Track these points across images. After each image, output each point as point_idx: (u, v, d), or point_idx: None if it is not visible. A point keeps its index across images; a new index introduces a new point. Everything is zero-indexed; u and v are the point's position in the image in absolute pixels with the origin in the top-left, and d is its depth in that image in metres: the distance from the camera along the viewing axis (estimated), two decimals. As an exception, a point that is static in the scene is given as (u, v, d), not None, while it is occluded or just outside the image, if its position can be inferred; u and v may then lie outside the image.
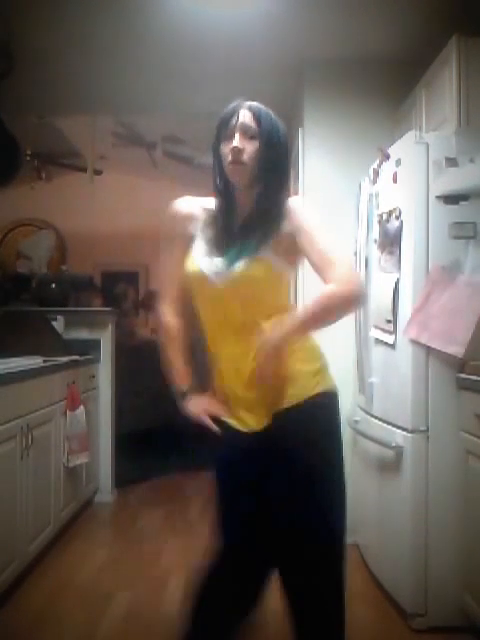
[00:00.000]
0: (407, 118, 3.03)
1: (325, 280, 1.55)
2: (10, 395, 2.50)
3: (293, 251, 1.59)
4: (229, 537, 1.65)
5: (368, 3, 2.77)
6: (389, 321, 2.50)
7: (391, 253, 2.50)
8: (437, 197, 2.33)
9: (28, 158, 4.79)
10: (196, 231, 1.63)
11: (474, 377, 2.19)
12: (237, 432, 1.60)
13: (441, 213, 2.32)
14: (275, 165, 1.57)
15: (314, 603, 1.66)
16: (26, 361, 2.94)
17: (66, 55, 3.28)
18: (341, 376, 3.18)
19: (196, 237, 1.63)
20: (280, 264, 1.59)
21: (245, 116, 1.55)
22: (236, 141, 1.53)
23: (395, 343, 2.46)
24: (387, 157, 2.61)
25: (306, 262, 1.63)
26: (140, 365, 4.67)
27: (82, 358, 3.64)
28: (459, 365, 2.29)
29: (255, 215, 1.59)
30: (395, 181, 2.50)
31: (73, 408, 3.30)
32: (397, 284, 2.44)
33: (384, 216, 2.58)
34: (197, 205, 1.66)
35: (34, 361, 3.01)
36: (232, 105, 1.59)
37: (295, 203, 1.64)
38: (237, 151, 1.52)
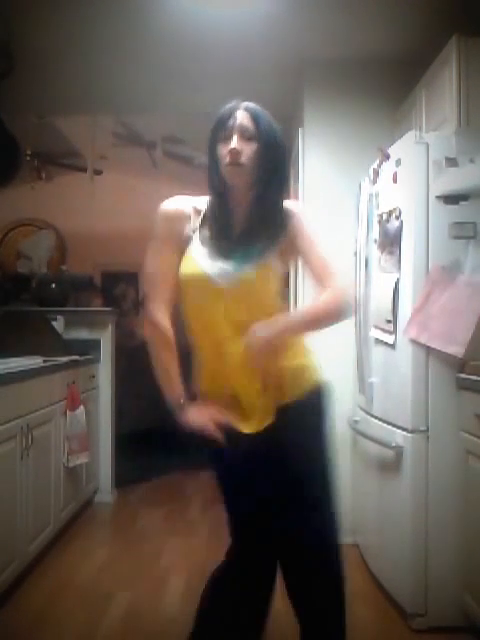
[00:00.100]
0: (407, 118, 3.03)
1: (323, 287, 1.60)
2: (10, 395, 2.50)
3: (289, 253, 1.64)
4: (241, 538, 1.65)
5: (368, 3, 2.77)
6: (389, 321, 2.50)
7: (391, 253, 2.50)
8: (437, 197, 2.33)
9: (28, 158, 4.79)
10: (190, 232, 1.60)
11: (474, 377, 2.19)
12: (239, 434, 1.58)
13: (441, 213, 2.32)
14: (274, 167, 1.57)
15: (316, 590, 1.69)
16: (26, 361, 2.95)
17: (66, 55, 3.28)
18: (341, 376, 3.21)
19: (191, 238, 1.59)
20: (280, 267, 1.63)
21: (243, 117, 1.55)
22: (234, 142, 1.52)
23: (395, 343, 2.46)
24: (387, 157, 2.61)
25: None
26: (140, 365, 4.66)
27: (82, 358, 3.64)
28: (459, 365, 2.29)
29: (256, 218, 1.59)
30: (395, 181, 2.50)
31: (73, 408, 3.30)
32: (397, 284, 2.44)
33: (384, 216, 2.58)
34: (189, 205, 1.63)
35: (34, 361, 3.01)
36: (228, 106, 1.58)
37: (295, 207, 1.67)
38: (236, 153, 1.52)
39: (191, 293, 1.60)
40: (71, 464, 3.25)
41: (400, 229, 2.42)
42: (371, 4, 2.77)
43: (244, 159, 1.53)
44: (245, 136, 1.54)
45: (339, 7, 2.80)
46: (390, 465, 2.47)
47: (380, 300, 2.61)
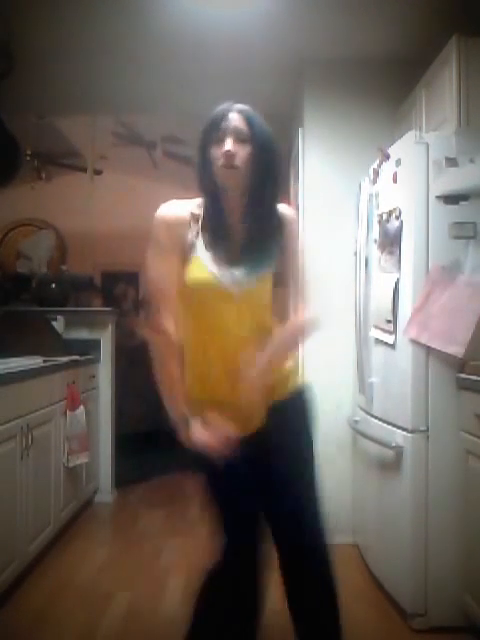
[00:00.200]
0: (407, 118, 3.03)
1: (297, 307, 1.68)
2: (10, 395, 2.50)
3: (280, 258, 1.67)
4: (233, 538, 1.65)
5: (368, 3, 2.77)
6: (389, 321, 2.50)
7: (391, 253, 2.50)
8: (437, 197, 2.33)
9: (28, 158, 4.79)
10: (193, 237, 1.59)
11: (474, 377, 2.19)
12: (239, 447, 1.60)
13: (441, 213, 2.32)
14: (267, 169, 1.58)
15: (307, 588, 1.69)
16: (26, 361, 2.95)
17: (66, 55, 3.28)
18: (341, 376, 3.23)
19: (194, 243, 1.58)
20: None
21: (236, 119, 1.54)
22: (229, 145, 1.52)
23: (395, 343, 2.46)
24: (387, 157, 2.61)
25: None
26: (140, 365, 4.66)
27: (82, 358, 3.64)
28: (459, 365, 2.29)
29: (252, 221, 1.59)
30: (395, 181, 2.50)
31: (73, 408, 3.30)
32: (397, 284, 2.44)
33: (384, 216, 2.58)
34: (186, 209, 1.60)
35: (34, 361, 3.02)
36: (221, 108, 1.58)
37: (290, 214, 1.68)
38: (230, 155, 1.51)
39: (200, 298, 1.59)
40: (71, 464, 3.25)
41: (400, 229, 2.42)
42: (371, 4, 2.77)
43: (238, 162, 1.53)
44: (239, 138, 1.53)
45: (339, 7, 2.79)
46: (390, 465, 2.47)
47: (380, 300, 2.61)
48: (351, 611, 2.41)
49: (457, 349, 2.24)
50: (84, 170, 5.37)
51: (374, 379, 2.72)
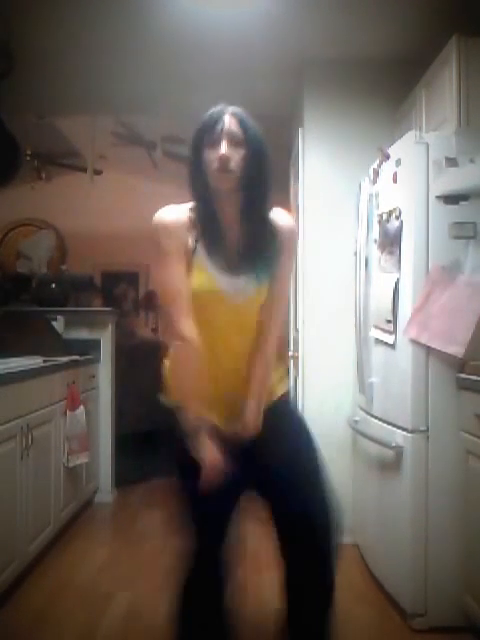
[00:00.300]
0: (407, 118, 3.03)
1: (264, 325, 1.67)
2: (10, 395, 2.50)
3: None
4: (209, 538, 1.69)
5: (368, 3, 2.77)
6: (389, 321, 2.50)
7: (391, 253, 2.50)
8: (437, 197, 2.33)
9: (28, 158, 4.79)
10: (194, 243, 1.59)
11: (474, 377, 2.19)
12: (228, 437, 1.64)
13: (441, 213, 2.32)
14: (260, 172, 1.58)
15: (309, 572, 1.70)
16: (26, 361, 2.95)
17: (66, 55, 3.28)
18: (341, 376, 3.23)
19: (196, 249, 1.58)
20: None
21: (231, 122, 1.54)
22: (224, 149, 1.52)
23: (395, 343, 2.46)
24: (387, 157, 2.61)
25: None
26: (140, 365, 4.67)
27: (82, 358, 3.64)
28: (459, 365, 2.29)
29: (246, 225, 1.60)
30: (395, 181, 2.50)
31: (73, 408, 3.30)
32: (397, 284, 2.44)
33: (384, 216, 2.58)
34: (184, 214, 1.60)
35: (34, 361, 3.02)
36: (215, 110, 1.58)
37: (286, 222, 1.67)
38: (226, 159, 1.52)
39: (200, 303, 1.59)
40: (71, 464, 3.25)
41: (400, 229, 2.42)
42: (371, 4, 2.77)
43: (233, 165, 1.53)
44: (233, 142, 1.53)
45: (339, 7, 2.79)
46: (390, 465, 2.47)
47: (380, 300, 2.61)
48: (351, 611, 2.42)
49: (457, 349, 2.24)
50: (84, 170, 5.36)
51: (374, 379, 2.72)
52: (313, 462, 1.73)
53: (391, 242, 2.50)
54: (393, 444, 2.41)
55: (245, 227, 1.60)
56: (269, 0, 2.75)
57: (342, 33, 3.05)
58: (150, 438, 5.09)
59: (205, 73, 3.51)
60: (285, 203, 3.85)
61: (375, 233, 2.70)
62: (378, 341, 2.64)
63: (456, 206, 2.31)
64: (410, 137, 2.41)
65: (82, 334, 4.01)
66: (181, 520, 1.72)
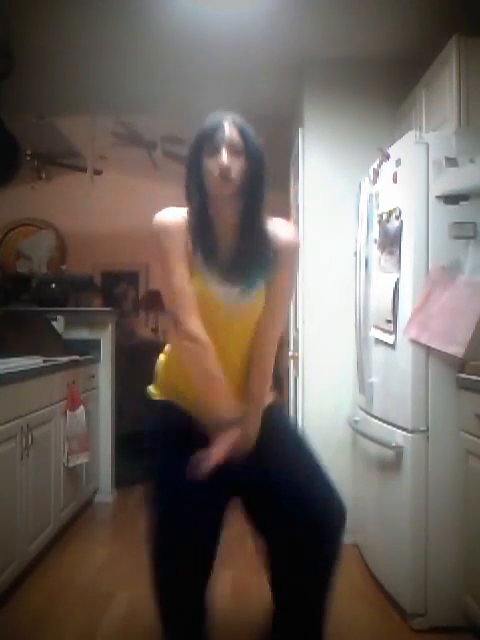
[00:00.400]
0: (407, 118, 3.03)
1: (262, 341, 1.68)
2: (10, 395, 2.50)
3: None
4: (198, 538, 1.67)
5: (368, 3, 2.77)
6: (389, 321, 2.50)
7: (391, 253, 2.50)
8: (437, 197, 2.33)
9: (28, 158, 4.79)
10: (190, 246, 1.60)
11: (474, 377, 2.19)
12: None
13: (441, 213, 2.32)
14: (258, 180, 1.59)
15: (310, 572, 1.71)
16: (26, 361, 2.95)
17: (66, 55, 3.28)
18: (341, 376, 3.23)
19: (194, 256, 1.59)
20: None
21: (231, 131, 1.56)
22: (224, 158, 1.53)
23: (395, 343, 2.46)
24: (387, 157, 2.61)
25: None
26: (140, 365, 4.67)
27: (82, 358, 3.64)
28: (459, 365, 2.29)
29: (243, 231, 1.60)
30: (395, 181, 2.50)
31: (73, 408, 3.30)
32: (397, 284, 2.44)
33: (384, 216, 2.58)
34: (183, 218, 1.61)
35: (34, 361, 3.02)
36: (215, 118, 1.59)
37: (286, 235, 1.67)
38: (227, 170, 1.53)
39: (199, 311, 1.60)
40: (71, 464, 3.25)
41: (400, 229, 2.42)
42: (371, 4, 2.77)
43: (234, 174, 1.55)
44: (233, 150, 1.55)
45: (339, 7, 2.79)
46: (390, 465, 2.47)
47: (380, 300, 2.61)
48: (351, 611, 2.42)
49: (457, 349, 2.24)
50: (84, 170, 5.36)
51: (374, 379, 2.72)
52: (313, 461, 1.74)
53: (391, 242, 2.50)
54: (393, 444, 2.41)
55: (241, 234, 1.61)
56: (269, 0, 2.75)
57: (342, 33, 3.05)
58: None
59: (205, 73, 3.51)
60: (285, 203, 3.86)
61: (375, 233, 2.70)
62: (378, 341, 2.64)
63: (456, 206, 2.31)
64: (410, 137, 2.41)
65: (82, 334, 4.02)
66: (161, 520, 1.70)
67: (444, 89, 2.58)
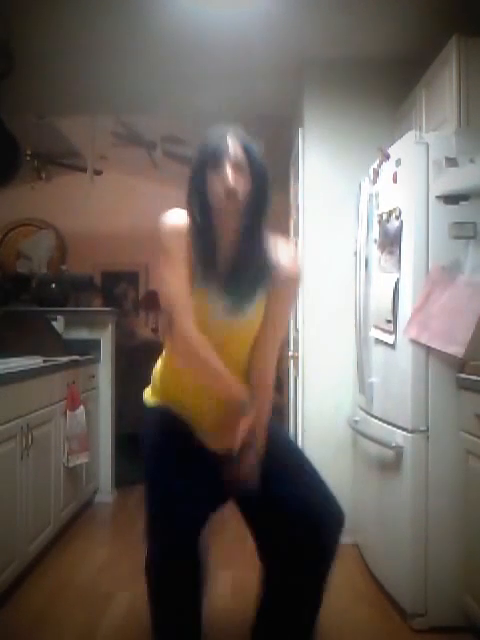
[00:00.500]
0: (407, 118, 3.03)
1: (259, 356, 1.69)
2: (10, 395, 2.50)
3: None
4: (184, 537, 1.66)
5: (368, 3, 2.77)
6: (389, 321, 2.50)
7: (391, 253, 2.50)
8: (437, 197, 2.33)
9: (28, 158, 4.79)
10: (190, 254, 1.60)
11: (474, 377, 2.19)
12: (205, 450, 1.68)
13: (441, 213, 2.32)
14: (262, 196, 1.60)
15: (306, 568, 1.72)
16: (26, 361, 2.95)
17: (66, 55, 3.28)
18: (341, 376, 3.23)
19: (193, 268, 1.59)
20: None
21: (236, 150, 1.56)
22: (230, 178, 1.53)
23: (395, 343, 2.46)
24: (387, 157, 2.61)
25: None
26: (140, 365, 4.67)
27: (82, 358, 3.64)
28: (459, 365, 2.29)
29: (243, 246, 1.61)
30: (395, 181, 2.50)
31: (73, 408, 3.30)
32: (397, 284, 2.44)
33: (384, 216, 2.58)
34: (187, 223, 1.61)
35: (34, 361, 3.01)
36: (218, 134, 1.60)
37: (290, 258, 1.68)
38: (233, 190, 1.53)
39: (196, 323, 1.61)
40: (71, 464, 3.25)
41: (400, 229, 2.42)
42: (371, 4, 2.77)
43: (239, 194, 1.55)
44: (238, 168, 1.55)
45: (339, 7, 2.79)
46: (390, 465, 2.47)
47: (380, 300, 2.61)
48: (351, 611, 2.42)
49: (457, 349, 2.24)
50: (84, 170, 5.36)
51: (374, 379, 2.72)
52: (310, 467, 1.77)
53: (391, 242, 2.50)
54: (393, 444, 2.41)
55: (241, 250, 1.61)
56: (269, 0, 2.75)
57: (342, 33, 3.05)
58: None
59: (205, 73, 3.51)
60: (285, 203, 3.86)
61: (375, 233, 2.70)
62: (378, 341, 2.64)
63: (456, 206, 2.31)
64: (410, 137, 2.41)
65: (82, 334, 4.02)
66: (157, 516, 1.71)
67: (444, 89, 2.58)
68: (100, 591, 2.63)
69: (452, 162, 2.31)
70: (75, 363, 3.49)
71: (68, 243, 6.11)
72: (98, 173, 5.39)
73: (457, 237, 2.31)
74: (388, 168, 2.60)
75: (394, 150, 2.58)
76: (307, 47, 3.21)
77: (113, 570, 2.88)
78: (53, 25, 2.97)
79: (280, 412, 4.07)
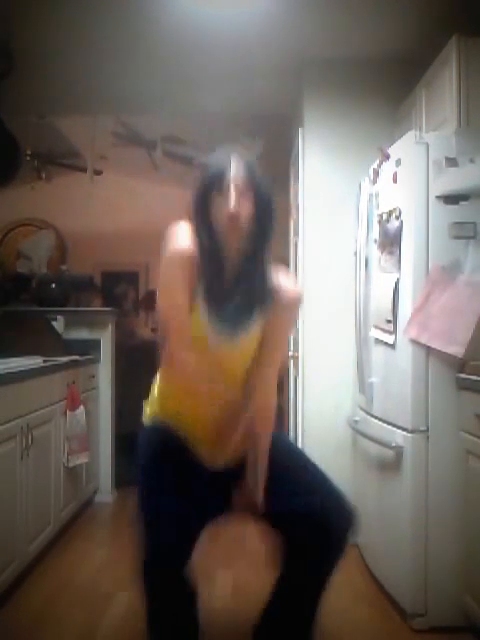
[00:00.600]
0: (407, 118, 3.03)
1: (256, 373, 1.69)
2: (10, 395, 2.50)
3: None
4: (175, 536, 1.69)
5: (368, 3, 2.77)
6: (389, 321, 2.50)
7: (391, 253, 2.50)
8: (437, 197, 2.33)
9: (28, 158, 4.78)
10: (195, 281, 1.58)
11: (474, 377, 2.19)
12: (201, 466, 1.69)
13: (441, 213, 2.32)
14: (266, 221, 1.60)
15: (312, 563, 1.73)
16: (26, 361, 2.94)
17: (66, 55, 3.28)
18: (341, 376, 3.23)
19: (196, 289, 1.58)
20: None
21: (240, 174, 1.55)
22: (232, 202, 1.52)
23: (395, 343, 2.46)
24: (387, 157, 2.61)
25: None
26: (140, 365, 4.67)
27: (82, 358, 3.64)
28: (459, 365, 2.29)
29: (246, 271, 1.61)
30: (395, 181, 2.50)
31: (73, 408, 3.30)
32: (397, 284, 2.44)
33: (384, 216, 2.58)
34: (191, 248, 1.57)
35: (34, 361, 3.01)
36: (222, 156, 1.59)
37: (291, 289, 1.69)
38: (236, 215, 1.53)
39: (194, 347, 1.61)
40: (71, 464, 3.25)
41: (400, 229, 2.42)
42: (371, 4, 2.77)
43: (242, 220, 1.55)
44: (242, 192, 1.54)
45: (339, 7, 2.80)
46: (390, 465, 2.47)
47: (380, 300, 2.61)
48: (351, 611, 2.42)
49: (457, 349, 2.24)
50: (84, 170, 5.35)
51: (374, 379, 2.72)
52: (319, 471, 1.78)
53: (391, 242, 2.50)
54: (393, 444, 2.41)
55: (243, 274, 1.61)
56: (269, 0, 2.75)
57: (342, 33, 3.05)
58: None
59: (205, 73, 3.51)
60: (285, 203, 3.86)
61: (375, 233, 2.70)
62: (378, 341, 2.64)
63: (456, 206, 2.31)
64: (410, 137, 2.41)
65: (82, 334, 4.02)
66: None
67: (444, 89, 2.58)
68: (100, 591, 2.63)
69: (452, 162, 2.31)
70: (75, 363, 3.49)
71: (68, 243, 6.10)
72: (98, 173, 5.39)
73: (457, 237, 2.31)
74: (388, 168, 2.60)
75: (394, 150, 2.58)
76: (307, 47, 3.21)
77: (113, 570, 2.88)
78: (53, 25, 2.97)
79: (280, 412, 4.07)
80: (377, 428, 2.63)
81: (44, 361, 3.10)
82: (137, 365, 4.87)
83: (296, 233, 3.46)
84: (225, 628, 2.27)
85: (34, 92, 3.76)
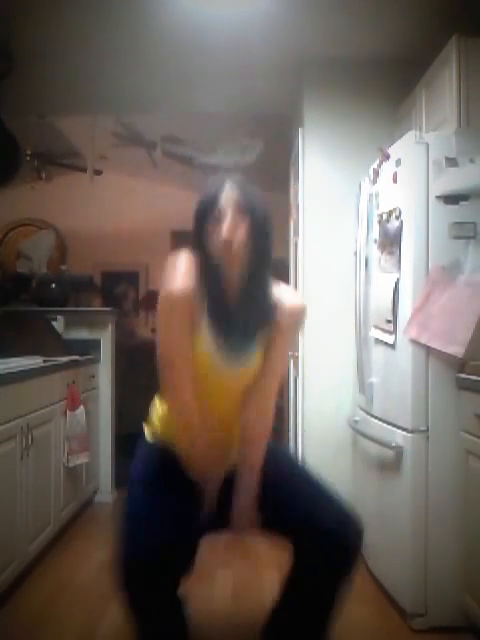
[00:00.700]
0: (407, 118, 3.03)
1: (254, 388, 1.69)
2: (10, 395, 2.50)
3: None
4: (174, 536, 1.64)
5: (368, 3, 2.77)
6: (389, 321, 2.50)
7: (391, 253, 2.50)
8: (437, 197, 2.33)
9: (28, 158, 4.79)
10: (198, 311, 1.59)
11: (474, 377, 2.19)
12: (197, 484, 1.69)
13: (441, 213, 2.32)
14: (263, 245, 1.61)
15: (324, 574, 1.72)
16: (26, 361, 2.95)
17: (66, 55, 3.28)
18: (341, 376, 3.23)
19: (199, 318, 1.59)
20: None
21: (231, 201, 1.55)
22: (225, 229, 1.53)
23: (395, 343, 2.46)
24: (387, 157, 2.61)
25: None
26: (140, 365, 4.67)
27: (82, 358, 3.64)
28: (459, 365, 2.29)
29: (247, 296, 1.61)
30: (395, 181, 2.50)
31: (73, 408, 3.30)
32: (397, 284, 2.44)
33: (384, 216, 2.58)
34: (193, 277, 1.59)
35: (34, 361, 3.01)
36: (217, 183, 1.60)
37: (292, 303, 1.70)
38: (229, 243, 1.54)
39: (197, 370, 1.63)
40: (71, 464, 3.25)
41: (400, 229, 2.42)
42: (371, 4, 2.77)
43: (236, 246, 1.55)
44: (236, 219, 1.55)
45: (339, 7, 2.80)
46: (390, 465, 2.47)
47: (380, 300, 2.61)
48: (351, 611, 2.41)
49: (457, 349, 2.24)
50: (84, 170, 5.35)
51: (374, 379, 2.72)
52: (307, 474, 1.80)
53: (391, 242, 2.50)
54: (393, 444, 2.41)
55: (244, 298, 1.62)
56: (269, 0, 2.75)
57: (342, 33, 3.05)
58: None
59: (205, 73, 3.51)
60: (285, 203, 3.86)
61: (375, 233, 2.70)
62: (378, 341, 2.64)
63: (456, 206, 2.31)
64: (410, 137, 2.41)
65: (82, 334, 4.02)
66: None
67: (444, 89, 2.58)
68: (100, 591, 2.63)
69: (452, 162, 2.31)
70: (75, 363, 3.49)
71: (68, 243, 6.10)
72: (98, 173, 5.39)
73: (457, 237, 2.31)
74: (388, 168, 2.60)
75: (394, 150, 2.58)
76: (307, 47, 3.21)
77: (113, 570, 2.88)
78: (53, 25, 2.97)
79: (280, 413, 4.07)
80: (377, 428, 2.63)
81: (44, 361, 3.11)
82: (137, 365, 4.88)
83: (296, 233, 3.46)
84: (225, 628, 2.27)
85: (34, 92, 3.76)
